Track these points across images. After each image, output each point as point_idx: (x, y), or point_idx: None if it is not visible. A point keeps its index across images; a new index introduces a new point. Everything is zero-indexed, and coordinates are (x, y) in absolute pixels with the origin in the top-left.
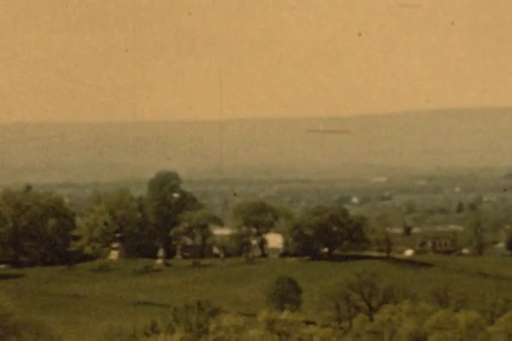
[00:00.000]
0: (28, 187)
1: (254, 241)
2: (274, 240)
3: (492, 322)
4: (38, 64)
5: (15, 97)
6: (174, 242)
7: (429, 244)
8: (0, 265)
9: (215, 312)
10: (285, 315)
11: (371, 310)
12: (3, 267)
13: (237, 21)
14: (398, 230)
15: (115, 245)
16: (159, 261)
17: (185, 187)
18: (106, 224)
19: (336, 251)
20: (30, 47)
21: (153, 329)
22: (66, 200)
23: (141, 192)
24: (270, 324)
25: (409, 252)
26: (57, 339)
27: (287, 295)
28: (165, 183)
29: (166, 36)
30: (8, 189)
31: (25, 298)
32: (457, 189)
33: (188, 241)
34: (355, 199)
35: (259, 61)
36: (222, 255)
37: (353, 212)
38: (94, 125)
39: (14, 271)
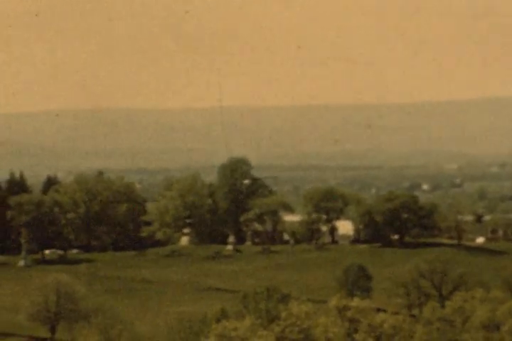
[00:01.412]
0: (100, 173)
1: (324, 228)
2: (345, 227)
3: None
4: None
5: (83, 83)
6: (244, 228)
7: (501, 231)
8: (72, 250)
9: (284, 299)
10: (356, 302)
11: (441, 298)
12: (75, 252)
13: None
14: (469, 217)
15: (186, 231)
16: (229, 247)
17: (255, 173)
18: (177, 209)
19: (407, 239)
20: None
21: (223, 315)
22: (137, 186)
23: (211, 178)
24: (341, 311)
25: (480, 240)
26: (127, 324)
27: (358, 282)
28: (236, 169)
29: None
30: (80, 174)
31: (97, 283)
32: None
33: (259, 227)
34: (425, 186)
35: None
36: (292, 241)
37: (423, 199)
38: (166, 111)
39: (86, 255)
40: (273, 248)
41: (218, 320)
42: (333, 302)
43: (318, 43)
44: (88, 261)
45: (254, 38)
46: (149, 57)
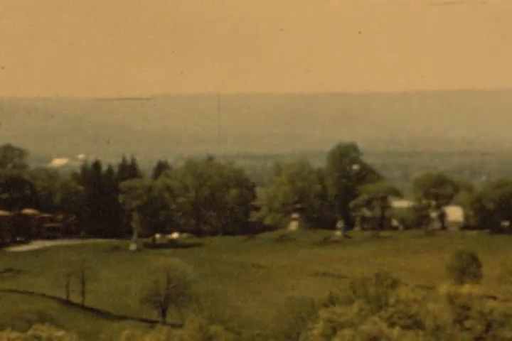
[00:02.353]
0: (210, 158)
1: (433, 214)
2: (454, 213)
3: None
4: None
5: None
6: (353, 214)
7: None
8: (182, 234)
9: (393, 285)
10: (467, 288)
11: None
12: (186, 236)
13: None
14: None
15: (295, 216)
16: (338, 233)
17: (364, 159)
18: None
19: None
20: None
21: (331, 300)
22: (247, 171)
23: (320, 163)
24: (451, 297)
25: None
26: (236, 309)
27: (467, 268)
28: (345, 155)
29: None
30: (190, 159)
31: (206, 267)
32: None
33: (367, 213)
34: None
35: None
36: (401, 227)
37: None
38: (276, 96)
39: (196, 240)
40: (382, 233)
41: (326, 306)
42: (443, 288)
43: None
44: (198, 245)
45: None
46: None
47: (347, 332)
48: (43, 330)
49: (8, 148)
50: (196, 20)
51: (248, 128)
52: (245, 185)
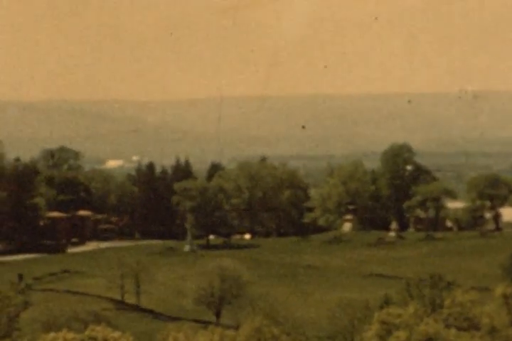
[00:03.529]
0: (263, 159)
1: (488, 215)
2: (509, 214)
3: None
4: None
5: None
6: (407, 215)
7: None
8: (236, 235)
9: (448, 286)
10: None
11: None
12: (240, 237)
13: None
14: None
15: (348, 217)
16: (392, 234)
17: (418, 159)
18: (339, 196)
19: None
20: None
21: (386, 301)
22: (300, 172)
23: (374, 164)
24: (506, 299)
25: None
26: (291, 310)
27: None
28: (398, 155)
29: None
30: (244, 161)
31: (260, 268)
32: None
33: (421, 213)
34: None
35: None
36: (455, 228)
37: None
38: (327, 97)
39: (250, 241)
40: (436, 234)
41: (381, 307)
42: (499, 290)
43: None
44: (252, 246)
45: None
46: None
47: (402, 333)
48: (98, 331)
49: (63, 149)
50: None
51: (301, 130)
52: (299, 186)
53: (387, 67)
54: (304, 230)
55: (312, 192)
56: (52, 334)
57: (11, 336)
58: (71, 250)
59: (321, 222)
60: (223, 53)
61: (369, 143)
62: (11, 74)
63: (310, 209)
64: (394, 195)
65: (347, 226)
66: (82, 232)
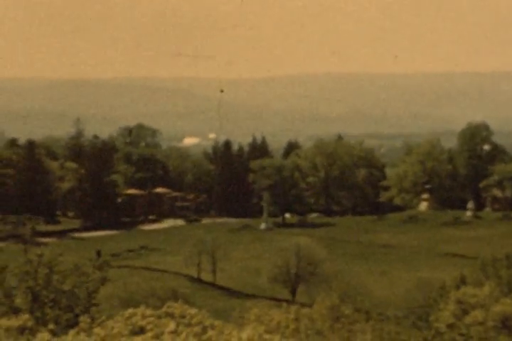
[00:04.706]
0: (340, 138)
1: None
2: None
3: None
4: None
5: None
6: (484, 194)
7: None
8: (312, 214)
9: None
10: None
11: None
12: (316, 216)
13: None
14: None
15: (424, 196)
16: (468, 213)
17: (495, 138)
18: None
19: None
20: None
21: (462, 281)
22: (377, 151)
23: (450, 143)
24: None
25: None
26: (367, 289)
27: None
28: (476, 135)
29: None
30: (320, 139)
31: (336, 247)
32: None
33: (498, 193)
34: None
35: None
36: None
37: None
38: (404, 76)
39: (326, 219)
40: None
41: (457, 287)
42: None
43: None
44: (328, 224)
45: None
46: None
47: (478, 313)
48: (176, 308)
49: (141, 127)
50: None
51: (378, 108)
52: (375, 165)
53: (465, 45)
54: (380, 209)
55: (388, 171)
56: (130, 310)
57: (89, 311)
58: (148, 227)
59: (397, 201)
60: (304, 31)
61: (445, 122)
62: (90, 53)
63: (386, 188)
64: (471, 174)
65: (423, 206)
66: (159, 209)
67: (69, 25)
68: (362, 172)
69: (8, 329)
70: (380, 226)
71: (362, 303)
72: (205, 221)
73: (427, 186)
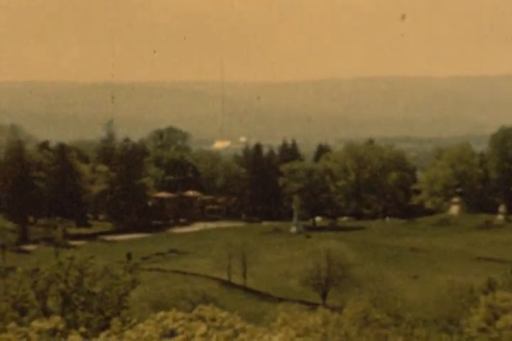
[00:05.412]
0: (371, 141)
1: None
2: None
3: None
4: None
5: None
6: None
7: None
8: (343, 217)
9: None
10: None
11: None
12: (346, 219)
13: None
14: None
15: (455, 200)
16: (500, 217)
17: None
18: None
19: None
20: None
21: (491, 285)
22: (407, 154)
23: (480, 147)
24: None
25: None
26: (397, 292)
27: None
28: (508, 138)
29: None
30: (350, 142)
31: (367, 250)
32: None
33: None
34: None
35: None
36: None
37: None
38: (435, 79)
39: (357, 223)
40: None
41: (487, 291)
42: None
43: None
44: (359, 228)
45: None
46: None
47: (510, 317)
48: (207, 311)
49: (172, 130)
50: None
51: (408, 112)
52: (406, 169)
53: (497, 49)
54: (411, 212)
55: (419, 174)
56: (161, 313)
57: (120, 314)
58: (178, 230)
59: (428, 204)
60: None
61: (475, 126)
62: (121, 57)
63: (417, 192)
64: (502, 178)
65: (454, 209)
66: (189, 212)
67: (100, 29)
68: (393, 176)
69: (39, 332)
70: (410, 229)
71: (392, 307)
72: (236, 224)
73: (458, 190)
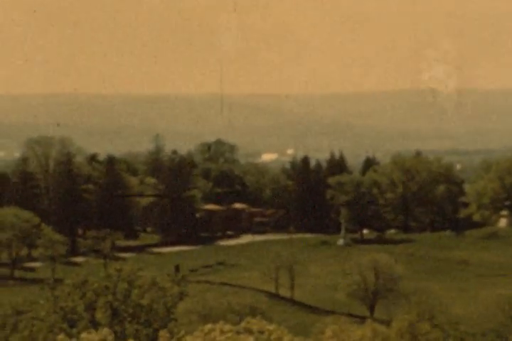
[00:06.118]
0: (418, 153)
1: None
2: None
3: None
4: None
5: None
6: None
7: None
8: (390, 230)
9: None
10: None
11: None
12: (394, 232)
13: None
14: None
15: (504, 213)
16: None
17: None
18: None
19: None
20: None
21: None
22: (455, 167)
23: None
24: None
25: None
26: (445, 306)
27: None
28: None
29: None
30: (398, 155)
31: (415, 263)
32: None
33: None
34: None
35: None
36: None
37: None
38: (481, 91)
39: (404, 235)
40: None
41: None
42: None
43: None
44: (406, 241)
45: None
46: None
47: None
48: (254, 323)
49: (220, 143)
50: None
51: (457, 124)
52: (454, 181)
53: None
54: (459, 225)
55: (467, 187)
56: (209, 326)
57: (167, 326)
58: (226, 242)
59: (476, 217)
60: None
61: None
62: (170, 69)
63: (465, 205)
64: None
65: (503, 222)
66: (237, 225)
67: (147, 42)
68: (440, 189)
69: None
70: (458, 242)
71: (440, 321)
72: (283, 237)
73: (507, 202)
